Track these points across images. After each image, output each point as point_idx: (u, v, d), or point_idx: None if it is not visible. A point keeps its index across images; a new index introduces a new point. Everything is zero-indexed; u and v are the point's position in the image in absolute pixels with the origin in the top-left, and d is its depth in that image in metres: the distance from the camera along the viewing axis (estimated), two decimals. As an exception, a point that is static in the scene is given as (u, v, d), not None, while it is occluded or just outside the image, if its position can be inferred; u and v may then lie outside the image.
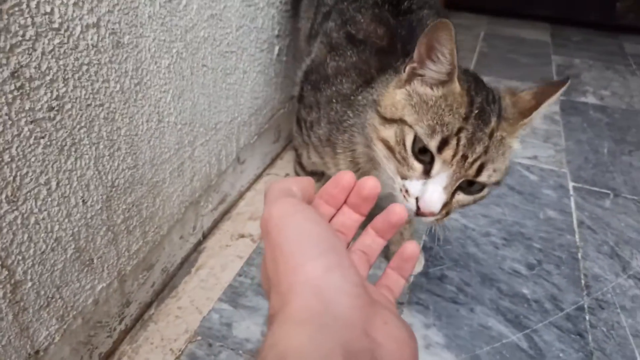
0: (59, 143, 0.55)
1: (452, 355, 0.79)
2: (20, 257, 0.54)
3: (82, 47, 0.54)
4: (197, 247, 0.96)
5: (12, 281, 0.53)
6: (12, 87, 0.47)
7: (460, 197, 0.61)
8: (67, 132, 0.55)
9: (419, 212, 0.58)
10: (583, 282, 0.95)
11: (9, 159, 0.49)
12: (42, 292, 0.58)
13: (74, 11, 0.52)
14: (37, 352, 0.60)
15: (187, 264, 0.92)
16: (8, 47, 0.45)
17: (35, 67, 0.49)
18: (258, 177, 1.18)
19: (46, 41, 0.49)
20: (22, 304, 0.56)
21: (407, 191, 0.59)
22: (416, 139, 0.58)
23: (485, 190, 0.62)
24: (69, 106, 0.55)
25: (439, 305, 0.88)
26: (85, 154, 0.59)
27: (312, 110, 0.83)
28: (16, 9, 0.45)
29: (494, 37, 2.32)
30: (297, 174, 0.99)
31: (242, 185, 1.11)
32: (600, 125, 1.58)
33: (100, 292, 0.69)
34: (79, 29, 0.53)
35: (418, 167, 0.59)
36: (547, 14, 2.52)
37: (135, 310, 0.80)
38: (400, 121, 0.60)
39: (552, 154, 1.38)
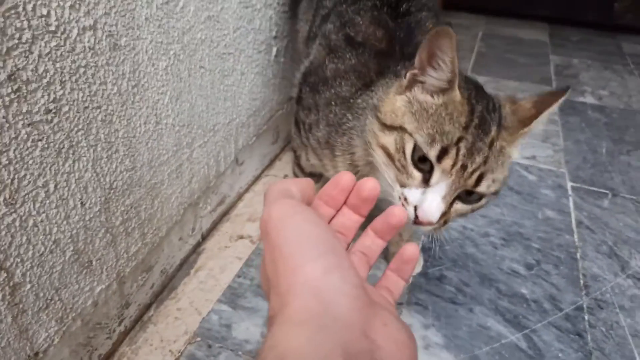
0: (57, 145, 0.55)
1: (451, 356, 0.79)
2: (19, 260, 0.54)
3: (79, 49, 0.54)
4: (196, 249, 0.96)
5: (11, 283, 0.54)
6: (9, 90, 0.47)
7: (459, 206, 0.61)
8: (64, 134, 0.55)
9: (417, 221, 0.58)
10: (582, 282, 0.95)
11: (7, 162, 0.49)
12: (41, 294, 0.58)
13: (70, 14, 0.52)
14: (36, 354, 0.60)
15: (186, 266, 0.92)
16: (5, 50, 0.46)
17: (32, 70, 0.49)
18: (257, 178, 1.18)
19: (43, 44, 0.49)
20: (21, 306, 0.56)
21: (405, 199, 0.59)
22: (416, 147, 0.58)
23: (484, 200, 0.62)
24: (66, 109, 0.55)
25: (438, 306, 0.88)
26: (83, 156, 0.59)
27: (310, 112, 0.83)
28: (12, 11, 0.45)
29: (492, 37, 2.33)
30: (296, 175, 0.99)
31: (241, 187, 1.11)
32: (599, 125, 1.59)
33: (99, 294, 0.69)
34: (75, 31, 0.53)
35: (417, 175, 0.58)
36: (546, 14, 2.53)
37: (135, 311, 0.80)
38: (400, 129, 0.60)
39: (551, 154, 1.38)
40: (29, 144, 0.51)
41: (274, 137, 1.22)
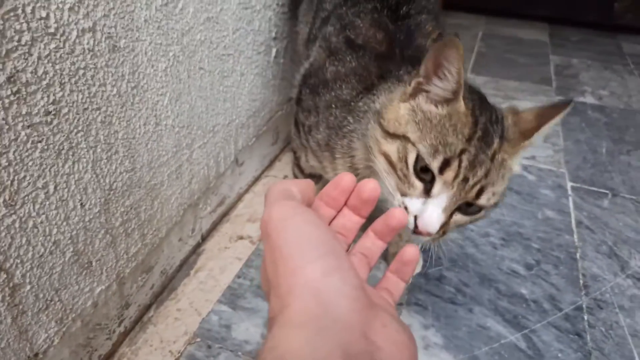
0: (56, 147, 0.55)
1: (450, 356, 0.79)
2: (18, 261, 0.54)
3: (79, 51, 0.55)
4: (196, 250, 0.96)
5: (11, 284, 0.54)
6: (9, 92, 0.47)
7: (458, 217, 0.61)
8: (64, 136, 0.56)
9: (416, 231, 0.58)
10: (581, 282, 0.95)
11: (7, 164, 0.49)
12: (41, 295, 0.59)
13: (69, 16, 0.52)
14: (36, 354, 0.60)
15: (186, 266, 0.93)
16: (4, 52, 0.46)
17: (31, 72, 0.49)
18: (257, 179, 1.19)
19: (42, 46, 0.50)
20: (20, 307, 0.56)
21: (406, 208, 0.58)
22: (418, 157, 0.58)
23: (483, 212, 0.62)
24: (65, 110, 0.55)
25: (437, 306, 0.88)
26: (83, 157, 0.60)
27: (310, 114, 0.82)
28: (12, 14, 0.46)
29: (492, 37, 2.33)
30: (296, 176, 0.99)
31: (241, 188, 1.11)
32: (599, 125, 1.59)
33: (99, 295, 0.70)
34: (75, 33, 0.53)
35: (419, 185, 0.58)
36: (546, 14, 2.53)
37: (135, 312, 0.80)
38: (404, 138, 0.59)
39: (551, 154, 1.38)
40: (28, 145, 0.51)
41: (273, 138, 1.23)
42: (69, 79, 0.54)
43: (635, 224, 1.12)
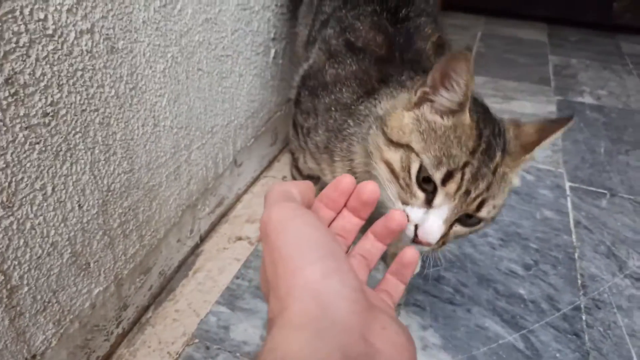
0: (54, 148, 0.55)
1: (448, 356, 0.79)
2: (16, 262, 0.54)
3: (77, 53, 0.55)
4: (195, 250, 0.96)
5: (9, 286, 0.54)
6: (7, 94, 0.47)
7: (458, 228, 0.61)
8: (62, 137, 0.56)
9: (416, 240, 0.58)
10: (579, 282, 0.95)
11: (4, 165, 0.49)
12: (39, 297, 0.59)
13: (67, 17, 0.52)
14: (34, 356, 0.60)
15: (185, 267, 0.93)
16: (2, 53, 0.46)
17: (29, 74, 0.49)
18: (255, 179, 1.19)
19: (40, 47, 0.50)
20: (18, 308, 0.56)
21: (407, 217, 0.59)
22: (421, 167, 0.58)
23: (482, 224, 0.62)
24: (63, 112, 0.55)
25: (435, 307, 0.88)
26: (81, 159, 0.60)
27: (309, 117, 0.82)
28: (9, 16, 0.46)
29: (492, 37, 2.33)
30: (294, 178, 0.99)
31: (240, 188, 1.11)
32: (597, 125, 1.59)
33: (97, 296, 0.70)
34: (73, 35, 0.53)
35: (421, 196, 0.58)
36: (545, 14, 2.53)
37: (133, 313, 0.80)
38: (407, 147, 0.59)
39: (549, 154, 1.38)
40: (26, 147, 0.51)
41: (272, 139, 1.23)
42: (67, 81, 0.54)
43: (633, 224, 1.12)
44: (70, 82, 0.55)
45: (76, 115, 0.57)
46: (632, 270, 0.99)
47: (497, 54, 2.14)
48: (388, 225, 0.45)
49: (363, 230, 0.46)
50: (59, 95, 0.54)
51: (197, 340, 0.79)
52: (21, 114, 0.50)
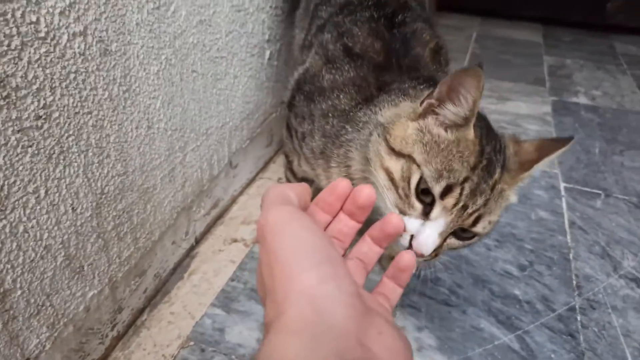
0: (47, 151, 0.55)
1: (444, 358, 0.79)
2: (9, 266, 0.54)
3: (69, 55, 0.54)
4: (190, 253, 0.96)
5: (1, 290, 0.53)
6: (-2, 97, 0.47)
7: (452, 241, 0.61)
8: (55, 140, 0.55)
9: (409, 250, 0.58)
10: (574, 282, 0.96)
11: (-4, 168, 0.49)
12: (32, 300, 0.58)
13: (60, 20, 0.52)
14: (27, 360, 0.60)
15: (180, 270, 0.92)
16: (-7, 57, 0.46)
17: (21, 76, 0.49)
18: (251, 181, 1.18)
19: (32, 50, 0.49)
20: (11, 312, 0.55)
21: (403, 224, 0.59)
22: (421, 179, 0.58)
23: (476, 238, 0.62)
24: (56, 114, 0.55)
25: (431, 308, 0.88)
26: (74, 161, 0.59)
27: (304, 121, 0.82)
28: (1, 18, 0.45)
29: (486, 38, 2.34)
30: (288, 180, 0.99)
31: (235, 190, 1.11)
32: (592, 125, 1.59)
33: (91, 299, 0.69)
34: (65, 37, 0.53)
35: (418, 207, 0.58)
36: (539, 14, 2.54)
37: (128, 316, 0.80)
38: (409, 157, 0.59)
39: (544, 154, 1.39)
40: (18, 150, 0.51)
41: (267, 140, 1.23)
42: (60, 83, 0.54)
43: (627, 224, 1.13)
44: (63, 84, 0.55)
45: (69, 118, 0.57)
46: (626, 271, 0.99)
47: (492, 55, 2.14)
48: (385, 229, 0.45)
49: (360, 232, 0.46)
50: (51, 98, 0.53)
51: (192, 343, 0.78)
52: (13, 117, 0.49)
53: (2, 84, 0.47)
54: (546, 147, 0.62)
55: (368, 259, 0.46)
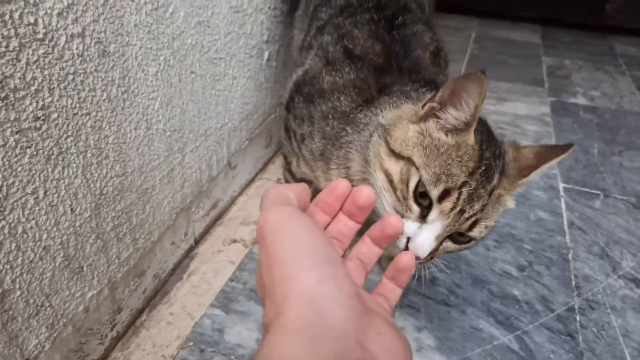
0: (46, 152, 0.55)
1: (443, 358, 0.79)
2: (8, 267, 0.54)
3: (68, 56, 0.54)
4: (189, 253, 0.96)
5: (0, 290, 0.54)
6: (-3, 98, 0.47)
7: (448, 244, 0.61)
8: (53, 141, 0.56)
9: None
10: (573, 282, 0.96)
11: (-5, 169, 0.49)
12: (31, 301, 0.58)
13: (58, 21, 0.52)
14: (26, 361, 0.60)
15: (179, 270, 0.92)
16: (-8, 58, 0.46)
17: (19, 78, 0.49)
18: (250, 182, 1.19)
19: (30, 51, 0.50)
20: (10, 312, 0.56)
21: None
22: (419, 182, 0.58)
23: (472, 243, 0.63)
24: (55, 115, 0.55)
25: (430, 308, 0.88)
26: (73, 162, 0.59)
27: (303, 123, 0.82)
28: None
29: (485, 39, 2.34)
30: (287, 181, 0.99)
31: (234, 191, 1.11)
32: (591, 126, 1.59)
33: (90, 300, 0.69)
34: (63, 38, 0.53)
35: (416, 210, 0.58)
36: (538, 15, 2.54)
37: (127, 317, 0.80)
38: (408, 160, 0.59)
39: (543, 155, 1.39)
40: (17, 151, 0.51)
41: (267, 141, 1.23)
42: (58, 84, 0.54)
43: (626, 224, 1.13)
44: (62, 85, 0.55)
45: (68, 119, 0.57)
46: (625, 271, 0.99)
47: (491, 56, 2.14)
48: (384, 230, 0.45)
49: (360, 233, 0.46)
50: (50, 99, 0.54)
51: (191, 343, 0.78)
52: (12, 118, 0.49)
53: (0, 85, 0.47)
54: (545, 153, 0.62)
55: (367, 260, 0.46)
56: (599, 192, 1.24)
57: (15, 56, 0.48)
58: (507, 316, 0.87)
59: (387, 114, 0.68)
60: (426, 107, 0.61)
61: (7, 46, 0.47)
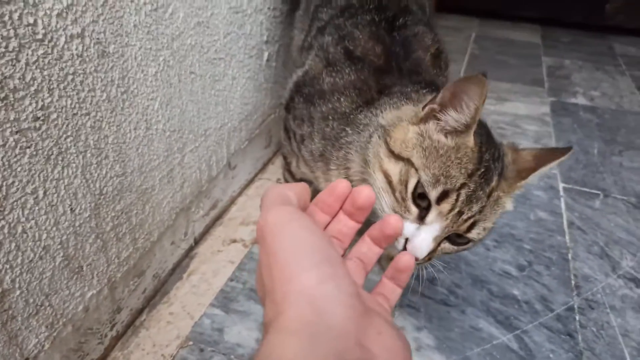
0: (46, 152, 0.55)
1: (442, 357, 0.79)
2: (7, 266, 0.54)
3: (67, 57, 0.55)
4: (189, 253, 0.96)
5: (0, 290, 0.54)
6: (-3, 98, 0.48)
7: (446, 245, 0.62)
8: (53, 141, 0.56)
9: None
10: (573, 282, 0.96)
11: (-5, 169, 0.49)
12: (31, 300, 0.59)
13: (57, 22, 0.52)
14: (26, 359, 0.60)
15: (179, 270, 0.93)
16: (-9, 58, 0.46)
17: (19, 78, 0.49)
18: (250, 182, 1.19)
19: (30, 52, 0.50)
20: (10, 312, 0.56)
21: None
22: (418, 183, 0.58)
23: (470, 244, 0.63)
24: (54, 116, 0.55)
25: (429, 308, 0.88)
26: (73, 162, 0.60)
27: (303, 124, 0.82)
28: (-1, 20, 0.46)
29: (485, 39, 2.34)
30: (287, 181, 0.99)
31: (234, 191, 1.11)
32: (590, 125, 1.60)
33: (90, 299, 0.70)
34: (63, 39, 0.53)
35: (414, 211, 0.59)
36: (537, 15, 2.54)
37: (127, 316, 0.80)
38: (408, 161, 0.59)
39: (543, 155, 1.39)
40: (17, 151, 0.51)
41: (266, 141, 1.23)
42: (58, 85, 0.54)
43: (626, 224, 1.13)
44: (61, 86, 0.55)
45: (67, 119, 0.57)
46: (625, 271, 0.99)
47: (491, 56, 2.14)
48: (384, 230, 0.45)
49: (360, 232, 0.47)
50: (49, 99, 0.54)
51: (191, 343, 0.79)
52: (11, 118, 0.50)
53: (0, 85, 0.47)
54: (544, 156, 0.62)
55: (367, 259, 0.46)
56: (598, 192, 1.24)
57: (14, 57, 0.48)
58: (506, 316, 0.87)
59: (387, 115, 0.68)
60: (426, 108, 0.61)
61: (6, 47, 0.47)
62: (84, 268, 0.67)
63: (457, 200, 0.57)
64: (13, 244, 0.54)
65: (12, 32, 0.47)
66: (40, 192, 0.56)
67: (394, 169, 0.60)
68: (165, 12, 0.71)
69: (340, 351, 0.30)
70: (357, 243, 0.46)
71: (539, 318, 0.87)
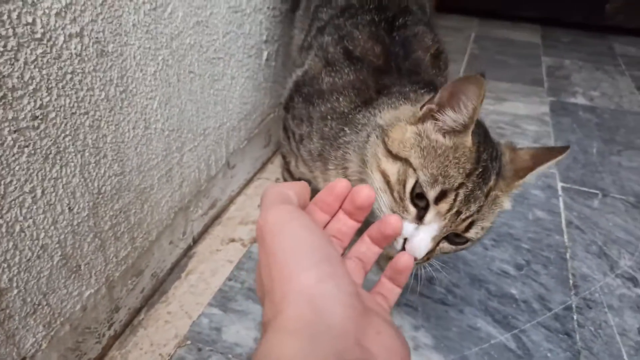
0: (44, 151, 0.55)
1: (440, 357, 0.80)
2: (5, 265, 0.54)
3: (66, 56, 0.55)
4: (187, 252, 0.96)
5: (-2, 289, 0.54)
6: (-5, 97, 0.48)
7: (444, 245, 0.62)
8: (51, 140, 0.56)
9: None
10: (571, 281, 0.96)
11: (-7, 168, 0.50)
12: (29, 299, 0.59)
13: (56, 21, 0.52)
14: (23, 359, 0.60)
15: (177, 269, 0.93)
16: (-10, 57, 0.46)
17: (17, 77, 0.49)
18: (249, 181, 1.19)
19: (28, 51, 0.50)
20: (7, 311, 0.56)
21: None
22: (416, 183, 0.58)
23: (468, 244, 0.63)
24: (53, 115, 0.55)
25: (427, 307, 0.88)
26: (71, 161, 0.60)
27: (302, 123, 0.82)
28: (-3, 20, 0.46)
29: (485, 39, 2.34)
30: (286, 180, 0.99)
31: (233, 190, 1.11)
32: (590, 125, 1.60)
33: (88, 299, 0.70)
34: (62, 38, 0.54)
35: (413, 211, 0.59)
36: (537, 15, 2.54)
37: (125, 315, 0.80)
38: (406, 161, 0.59)
39: (542, 154, 1.39)
40: (15, 150, 0.51)
41: (265, 141, 1.23)
42: (56, 84, 0.54)
43: (624, 224, 1.13)
44: (60, 85, 0.55)
45: (66, 119, 0.57)
46: (623, 270, 0.99)
47: (490, 56, 2.15)
48: (383, 230, 0.45)
49: (359, 232, 0.47)
50: (48, 98, 0.54)
51: (189, 342, 0.79)
52: (9, 117, 0.50)
53: (-2, 84, 0.48)
54: (541, 155, 0.63)
55: (367, 259, 0.46)
56: (597, 192, 1.24)
57: (13, 56, 0.48)
58: (504, 315, 0.87)
59: (385, 115, 0.68)
60: (424, 108, 0.61)
61: (5, 46, 0.47)
62: (82, 267, 0.67)
63: (455, 200, 0.57)
64: (11, 243, 0.54)
65: (10, 31, 0.47)
66: (39, 191, 0.56)
67: (392, 168, 0.60)
68: (164, 12, 0.71)
69: (339, 350, 0.30)
70: (357, 243, 0.47)
71: (537, 317, 0.87)
